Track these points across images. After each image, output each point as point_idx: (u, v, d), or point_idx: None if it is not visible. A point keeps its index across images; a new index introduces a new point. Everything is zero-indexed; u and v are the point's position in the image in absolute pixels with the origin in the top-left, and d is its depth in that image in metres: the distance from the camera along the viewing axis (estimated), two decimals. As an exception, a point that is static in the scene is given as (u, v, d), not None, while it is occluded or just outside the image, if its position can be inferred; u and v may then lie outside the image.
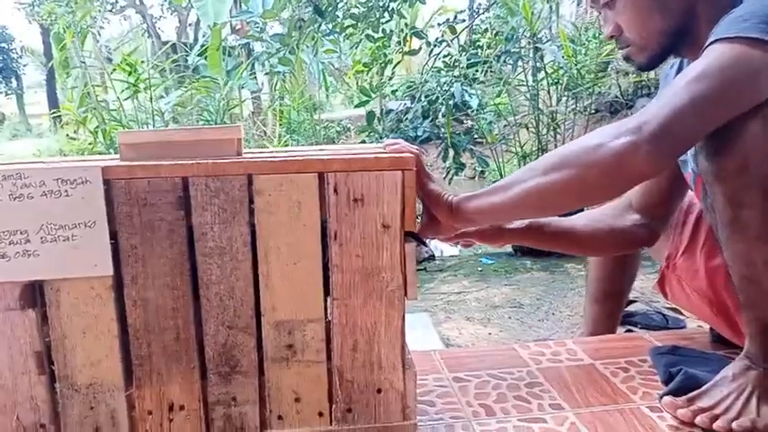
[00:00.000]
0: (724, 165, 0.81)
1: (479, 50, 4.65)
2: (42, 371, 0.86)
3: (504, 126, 4.93)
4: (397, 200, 0.86)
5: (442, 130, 4.54)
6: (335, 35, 4.22)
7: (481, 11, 5.49)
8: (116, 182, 0.83)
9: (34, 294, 0.84)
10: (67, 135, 8.93)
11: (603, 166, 0.80)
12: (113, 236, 0.84)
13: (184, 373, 0.88)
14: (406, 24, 5.09)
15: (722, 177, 0.82)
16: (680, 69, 1.07)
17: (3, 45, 12.56)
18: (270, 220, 0.85)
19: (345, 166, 0.86)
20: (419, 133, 4.24)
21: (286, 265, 0.87)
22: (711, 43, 0.82)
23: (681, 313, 1.67)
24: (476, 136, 4.76)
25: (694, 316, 1.21)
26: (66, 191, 0.82)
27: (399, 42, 5.15)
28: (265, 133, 4.42)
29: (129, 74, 3.89)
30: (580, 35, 3.75)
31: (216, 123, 4.77)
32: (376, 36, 4.69)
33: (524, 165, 3.36)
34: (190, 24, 12.93)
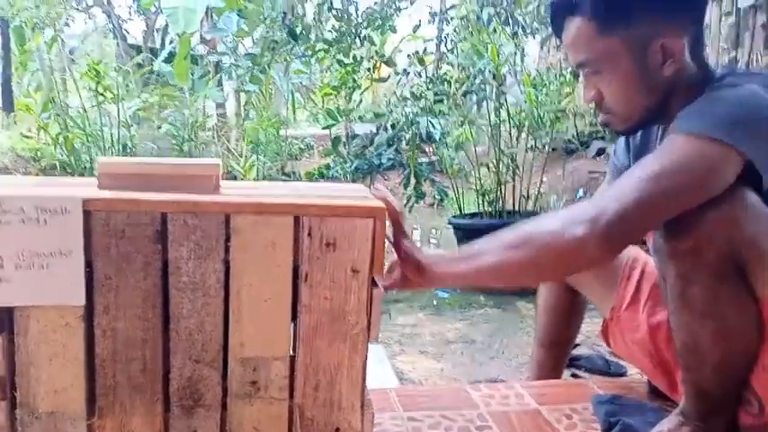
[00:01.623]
0: (677, 246, 0.89)
1: (446, 83, 4.79)
2: (3, 396, 0.86)
3: (465, 159, 5.07)
4: (367, 246, 0.91)
5: (405, 157, 4.63)
6: (307, 57, 4.28)
7: (449, 45, 5.65)
8: (96, 213, 0.85)
9: (2, 320, 0.85)
10: (21, 133, 8.62)
11: (561, 251, 0.88)
12: (88, 265, 0.85)
13: (148, 404, 0.89)
14: (376, 52, 5.21)
15: (675, 256, 0.91)
16: (644, 136, 1.17)
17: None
18: (244, 258, 0.88)
19: (321, 211, 0.90)
20: (383, 161, 4.32)
21: (256, 303, 0.90)
22: (673, 133, 0.90)
23: (621, 359, 1.76)
24: (434, 164, 4.88)
25: (635, 366, 1.29)
26: (45, 219, 0.84)
27: (369, 69, 5.25)
28: (229, 150, 4.41)
29: (98, 83, 3.81)
30: (542, 78, 3.92)
31: (180, 136, 4.72)
32: (346, 61, 4.78)
33: (483, 201, 3.47)
34: (157, 29, 12.77)
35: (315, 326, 0.91)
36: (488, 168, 3.34)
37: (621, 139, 1.25)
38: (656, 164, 0.89)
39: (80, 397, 0.87)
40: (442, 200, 5.03)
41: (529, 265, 0.90)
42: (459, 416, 1.10)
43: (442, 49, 5.93)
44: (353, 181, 4.13)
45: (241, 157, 3.50)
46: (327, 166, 4.50)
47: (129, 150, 3.46)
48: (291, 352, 0.92)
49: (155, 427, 0.90)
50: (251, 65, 3.53)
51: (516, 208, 3.38)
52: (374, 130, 5.01)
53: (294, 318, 0.91)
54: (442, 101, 3.77)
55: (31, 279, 0.84)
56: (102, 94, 3.43)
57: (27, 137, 8.44)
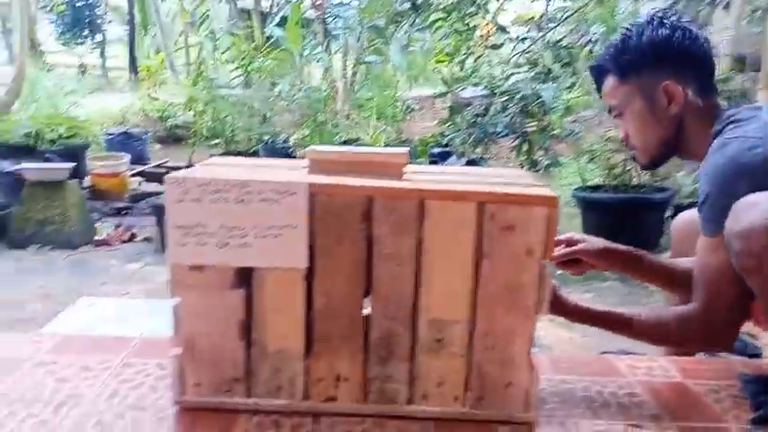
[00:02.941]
0: (746, 262, 1.05)
1: (562, 51, 4.71)
2: (242, 336, 1.08)
3: (577, 126, 4.98)
4: (541, 231, 1.03)
5: (518, 124, 4.64)
6: (424, 28, 4.36)
7: (564, 15, 5.50)
8: (318, 196, 1.03)
9: (243, 277, 1.06)
10: (149, 95, 9.30)
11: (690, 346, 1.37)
12: (311, 236, 1.04)
13: (352, 351, 1.08)
14: (491, 19, 5.18)
15: (747, 271, 1.06)
16: None
17: (90, 1, 13.18)
18: (434, 236, 1.04)
19: (503, 198, 1.03)
20: (498, 129, 4.37)
21: (443, 274, 1.05)
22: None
23: (756, 339, 1.78)
24: (552, 132, 4.84)
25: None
26: (278, 199, 1.03)
27: (482, 36, 5.25)
28: (348, 116, 4.62)
29: (215, 47, 4.11)
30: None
31: (293, 98, 4.96)
32: (461, 29, 4.81)
33: (609, 174, 3.41)
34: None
35: (493, 296, 1.05)
36: (609, 139, 3.31)
37: None
38: (702, 273, 1.18)
39: (300, 341, 1.08)
40: (551, 166, 5.01)
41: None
42: (608, 382, 1.21)
43: (553, 10, 5.78)
44: (472, 147, 4.21)
45: (367, 126, 3.68)
46: (441, 134, 4.60)
47: (266, 119, 3.74)
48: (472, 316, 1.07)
49: (356, 370, 1.08)
50: (374, 37, 3.67)
51: (640, 181, 3.33)
52: (484, 96, 5.03)
53: (476, 288, 1.06)
54: (566, 64, 3.75)
55: (267, 246, 1.04)
56: (246, 68, 3.70)
57: (154, 98, 9.11)
